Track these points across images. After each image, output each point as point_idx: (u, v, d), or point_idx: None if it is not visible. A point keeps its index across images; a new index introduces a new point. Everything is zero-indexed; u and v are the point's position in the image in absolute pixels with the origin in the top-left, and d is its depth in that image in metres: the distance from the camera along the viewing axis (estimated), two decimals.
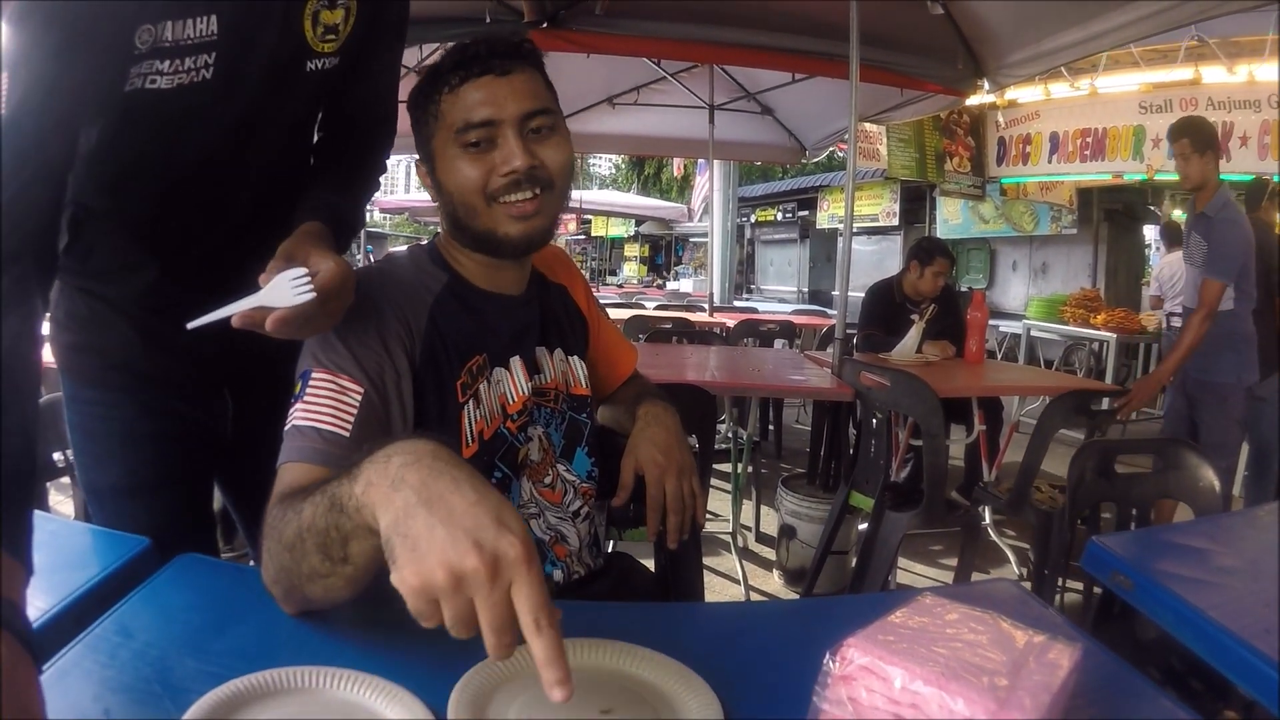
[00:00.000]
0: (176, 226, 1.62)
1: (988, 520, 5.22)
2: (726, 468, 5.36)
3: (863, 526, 4.17)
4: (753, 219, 21.75)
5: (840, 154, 10.15)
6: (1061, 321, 9.70)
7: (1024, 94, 9.26)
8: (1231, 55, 7.71)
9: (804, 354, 6.43)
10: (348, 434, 1.32)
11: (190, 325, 1.29)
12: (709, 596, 3.77)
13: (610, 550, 2.01)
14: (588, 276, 1.75)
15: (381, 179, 1.83)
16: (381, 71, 1.76)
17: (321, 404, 1.34)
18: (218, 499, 2.00)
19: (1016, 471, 3.91)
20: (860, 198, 14.96)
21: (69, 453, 2.51)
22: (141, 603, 1.27)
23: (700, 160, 14.58)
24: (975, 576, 4.08)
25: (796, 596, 4.41)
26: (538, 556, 0.96)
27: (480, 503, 0.97)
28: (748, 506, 5.49)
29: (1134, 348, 9.80)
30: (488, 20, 5.44)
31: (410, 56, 5.41)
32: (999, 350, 11.12)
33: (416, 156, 1.56)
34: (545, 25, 5.56)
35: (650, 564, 2.04)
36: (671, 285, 22.02)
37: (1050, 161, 9.91)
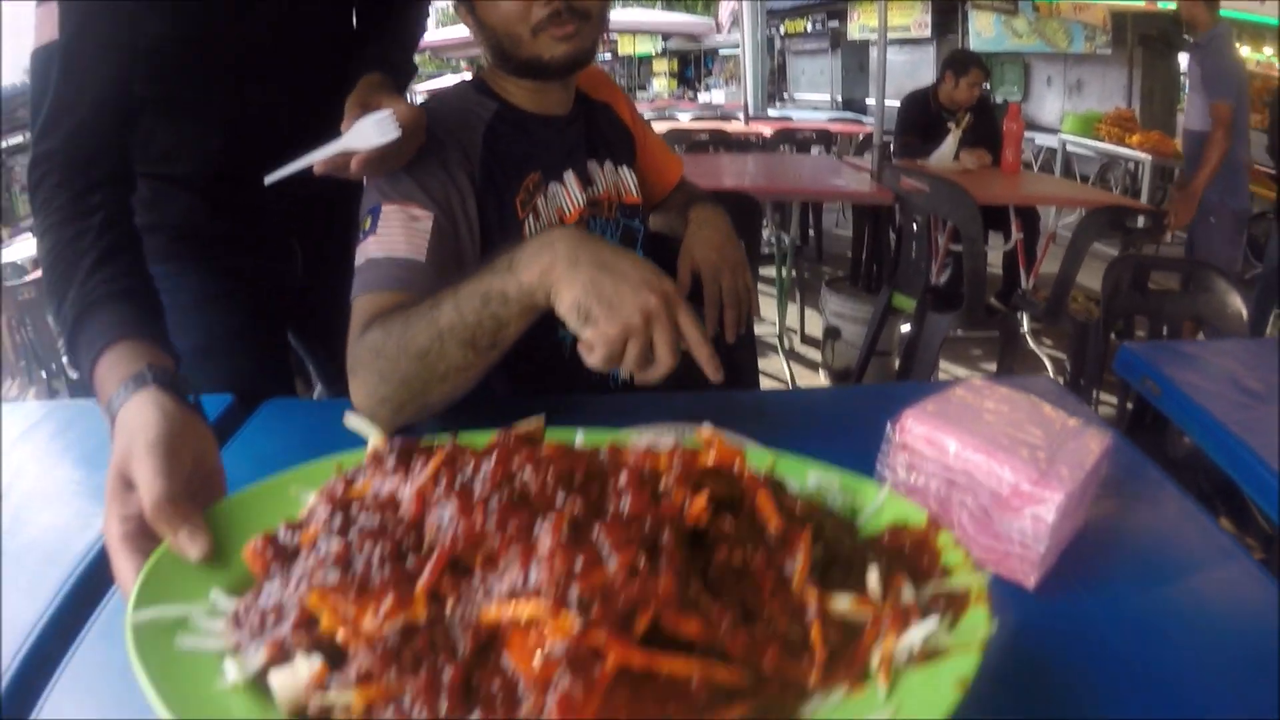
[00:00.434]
0: (235, 100, 1.65)
1: (1025, 328, 5.29)
2: (770, 272, 5.45)
3: (905, 328, 4.28)
4: (782, 30, 21.11)
5: None
6: (1097, 138, 9.51)
7: None
8: None
9: (842, 160, 6.40)
10: (423, 259, 1.39)
11: (268, 179, 1.36)
12: None
13: None
14: None
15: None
16: None
17: (395, 234, 1.41)
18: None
19: (1053, 281, 3.95)
20: (892, 8, 14.45)
21: None
22: (234, 455, 1.34)
23: None
24: None
25: None
26: None
27: (638, 261, 1.16)
28: (792, 310, 5.61)
29: (1169, 171, 9.61)
30: None
31: None
32: (1035, 163, 10.94)
33: None
34: None
35: None
36: (703, 98, 21.53)
37: None
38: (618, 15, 19.74)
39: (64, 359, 3.75)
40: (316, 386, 2.29)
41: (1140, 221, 4.48)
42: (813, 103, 18.41)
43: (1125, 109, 10.65)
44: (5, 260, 6.12)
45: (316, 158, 1.35)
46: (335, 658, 0.72)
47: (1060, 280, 3.83)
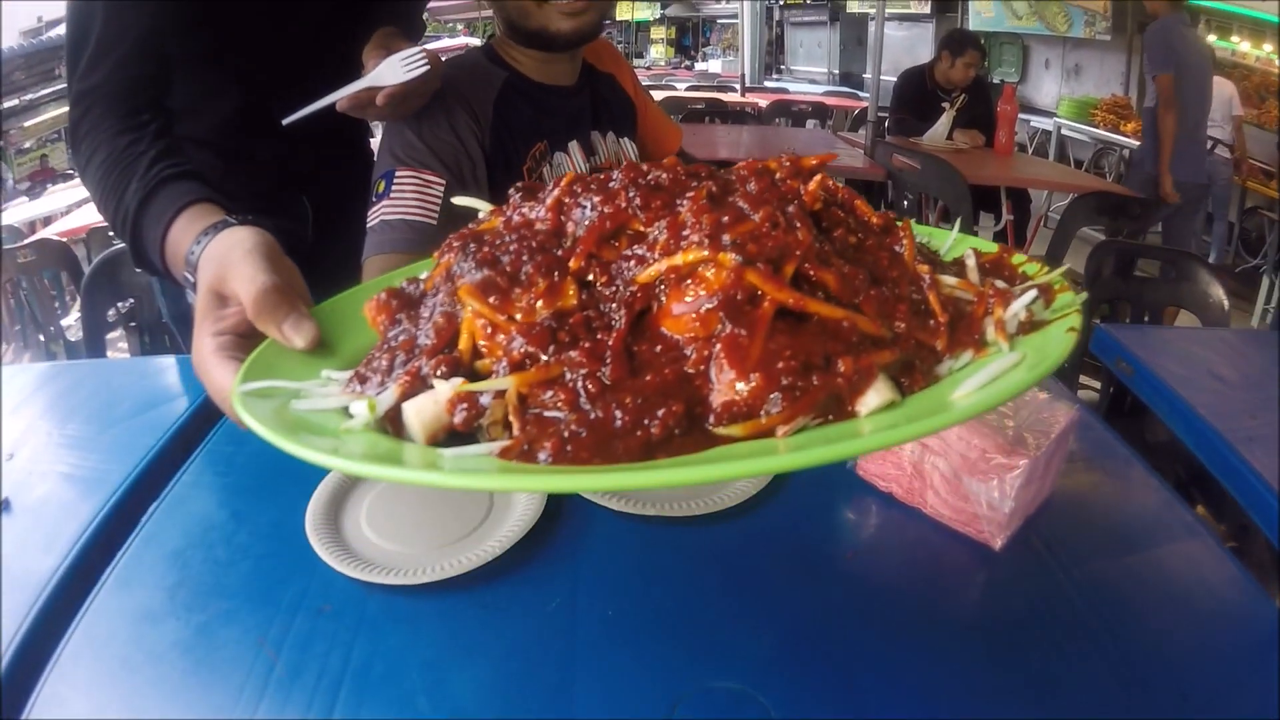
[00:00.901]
0: (255, 52, 1.64)
1: None
2: None
3: None
4: (781, 1, 21.00)
5: None
6: (1092, 124, 9.53)
7: None
8: None
9: (836, 134, 6.41)
10: (435, 223, 1.42)
11: (287, 120, 1.37)
12: None
13: None
14: None
15: None
16: None
17: (408, 198, 1.44)
18: None
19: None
20: None
21: (130, 302, 2.63)
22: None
23: None
24: None
25: None
26: None
27: None
28: None
29: None
30: None
31: None
32: (1029, 145, 10.94)
33: None
34: None
35: None
36: (700, 66, 21.43)
37: None
38: None
39: (63, 320, 3.78)
40: None
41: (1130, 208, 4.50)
42: (810, 75, 18.34)
43: (1122, 96, 10.66)
44: (4, 223, 6.08)
45: (342, 95, 1.36)
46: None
47: (1049, 256, 3.86)
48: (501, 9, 1.57)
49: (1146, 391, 1.49)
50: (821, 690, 0.82)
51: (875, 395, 0.62)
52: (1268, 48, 8.56)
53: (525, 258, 0.72)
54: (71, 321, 3.66)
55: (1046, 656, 0.86)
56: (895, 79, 6.04)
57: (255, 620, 0.88)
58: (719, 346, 0.63)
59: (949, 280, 0.74)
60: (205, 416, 1.30)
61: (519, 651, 0.85)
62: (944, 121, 5.17)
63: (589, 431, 0.61)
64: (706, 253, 0.66)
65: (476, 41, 10.03)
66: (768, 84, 12.55)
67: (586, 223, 0.75)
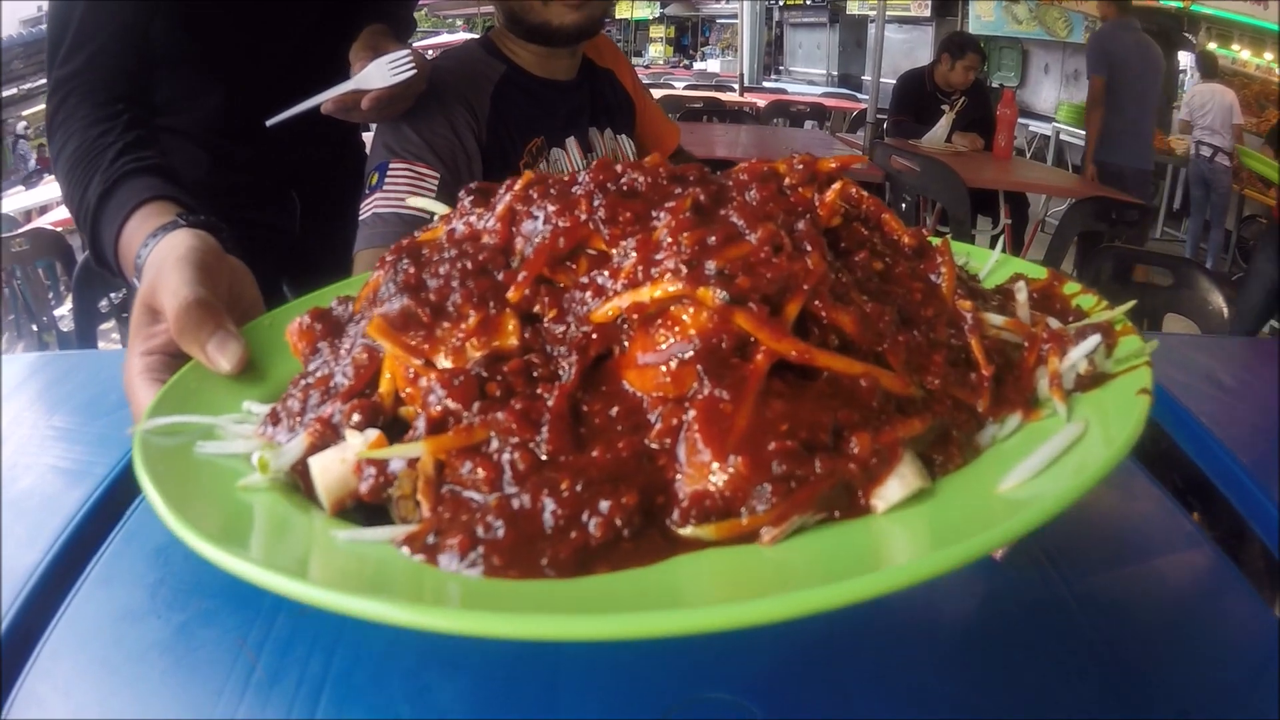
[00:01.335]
0: (241, 53, 1.62)
1: None
2: None
3: None
4: (781, 1, 21.04)
5: None
6: None
7: None
8: None
9: (834, 135, 6.40)
10: (429, 217, 1.39)
11: (271, 121, 1.37)
12: None
13: None
14: None
15: None
16: None
17: (402, 191, 1.43)
18: None
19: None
20: None
21: (123, 292, 2.59)
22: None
23: None
24: None
25: None
26: None
27: None
28: None
29: (1161, 168, 9.69)
30: None
31: None
32: (1028, 149, 10.96)
33: None
34: None
35: None
36: (699, 66, 21.45)
37: None
38: None
39: (58, 312, 3.76)
40: None
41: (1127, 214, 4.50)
42: (808, 76, 18.36)
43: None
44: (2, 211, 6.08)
45: (327, 97, 1.35)
46: (394, 437, 0.57)
47: (1048, 261, 3.86)
48: (504, 2, 1.57)
49: (1160, 410, 1.46)
50: (815, 700, 0.80)
51: (898, 485, 0.49)
52: (1268, 56, 8.57)
53: (455, 283, 0.59)
54: (64, 312, 3.66)
55: (1045, 669, 0.84)
56: (895, 81, 6.07)
57: (236, 621, 0.85)
58: (692, 414, 0.49)
59: (995, 320, 0.63)
60: None
61: (504, 660, 0.83)
62: (943, 124, 5.21)
63: (508, 529, 0.47)
64: (683, 286, 0.52)
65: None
66: (766, 84, 12.55)
67: (538, 238, 0.62)
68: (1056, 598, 0.95)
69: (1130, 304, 0.68)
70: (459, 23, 19.92)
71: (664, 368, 0.52)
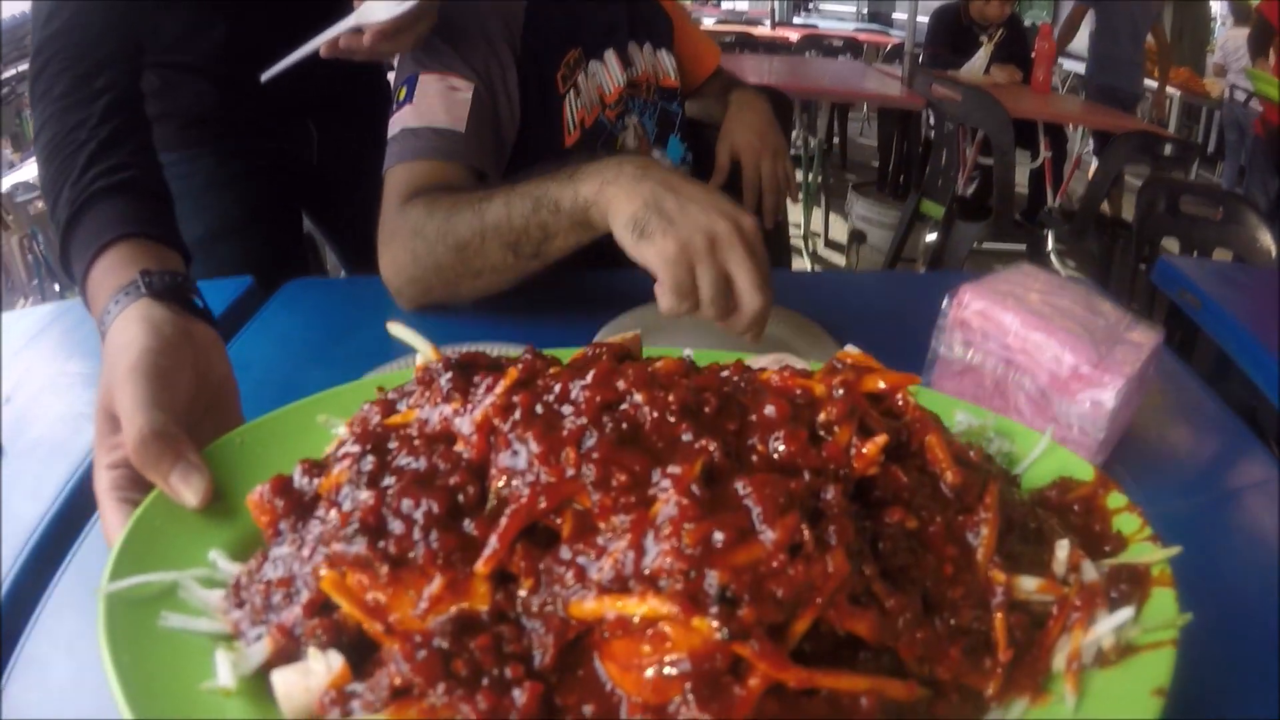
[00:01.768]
0: None
1: (1050, 246, 5.22)
2: (796, 175, 5.37)
3: (931, 238, 4.25)
4: None
5: None
6: None
7: None
8: None
9: (871, 66, 6.33)
10: (462, 130, 1.34)
11: (266, 75, 1.31)
12: None
13: None
14: None
15: None
16: None
17: (433, 103, 1.34)
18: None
19: (1079, 202, 3.90)
20: None
21: None
22: (254, 334, 1.29)
23: None
24: None
25: None
26: None
27: (713, 191, 1.08)
28: (816, 214, 5.53)
29: (1196, 110, 9.53)
30: None
31: None
32: (1061, 87, 10.79)
33: None
34: None
35: None
36: (726, 5, 21.19)
37: None
38: None
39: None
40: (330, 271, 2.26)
41: (1168, 150, 4.40)
42: (838, 13, 18.10)
43: (1151, 42, 10.53)
44: (19, 180, 6.12)
45: (326, 38, 1.27)
46: (361, 651, 0.55)
47: (1088, 199, 3.79)
48: None
49: (1212, 324, 1.42)
50: None
51: None
52: None
53: (420, 530, 0.54)
54: None
55: None
56: (928, 16, 6.00)
57: None
58: None
59: (1028, 584, 0.57)
60: None
61: None
62: (981, 55, 5.14)
63: None
64: (676, 609, 0.47)
65: None
66: (796, 20, 12.37)
67: (517, 469, 0.56)
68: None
69: (1175, 550, 0.62)
70: None
71: (648, 673, 0.48)
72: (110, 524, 0.73)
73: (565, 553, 0.53)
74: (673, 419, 0.56)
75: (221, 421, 0.83)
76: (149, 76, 1.27)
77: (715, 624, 0.46)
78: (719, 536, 0.48)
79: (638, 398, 0.58)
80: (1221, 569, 0.86)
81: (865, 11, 17.39)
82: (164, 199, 1.06)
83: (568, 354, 0.76)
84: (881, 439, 0.58)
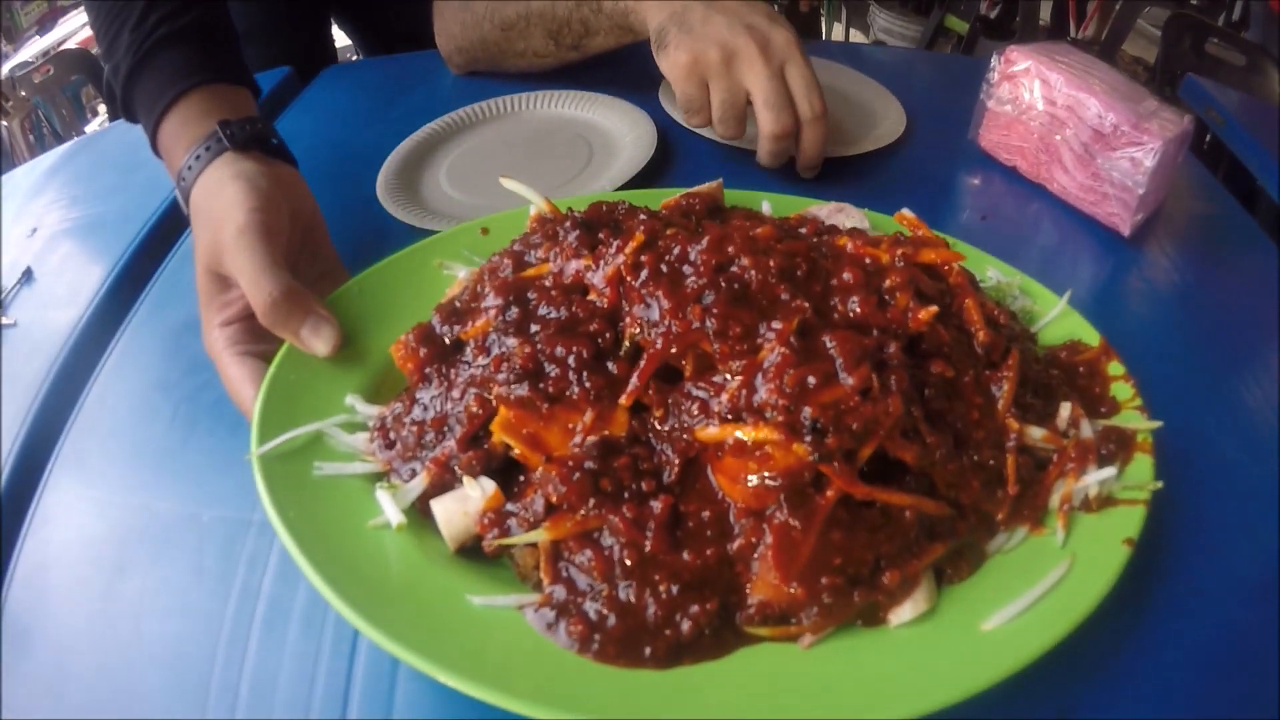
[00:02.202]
0: None
1: None
2: None
3: None
4: None
5: None
6: None
7: None
8: None
9: None
10: None
11: None
12: None
13: None
14: None
15: None
16: None
17: None
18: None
19: (1104, 33, 3.82)
20: None
21: None
22: (299, 112, 1.34)
23: None
24: None
25: None
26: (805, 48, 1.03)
27: (760, 6, 1.05)
28: (837, 28, 5.39)
29: None
30: None
31: None
32: None
33: None
34: None
35: None
36: None
37: None
38: None
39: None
40: None
41: None
42: None
43: None
44: (17, 61, 5.92)
45: None
46: (508, 476, 0.66)
47: (1113, 31, 3.70)
48: None
49: (1236, 141, 1.45)
50: None
51: (911, 608, 0.60)
52: None
53: (574, 372, 0.66)
54: (97, 127, 3.54)
55: (1148, 353, 0.85)
56: None
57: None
58: (769, 537, 0.59)
59: (1035, 434, 0.70)
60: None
61: None
62: None
63: (618, 619, 0.58)
64: (780, 436, 0.60)
65: None
66: None
67: (650, 319, 0.68)
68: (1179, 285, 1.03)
69: (1157, 424, 0.73)
70: None
71: (750, 480, 0.61)
72: (234, 377, 0.77)
73: (688, 388, 0.66)
74: (774, 281, 0.69)
75: (317, 253, 0.89)
76: None
77: (809, 448, 0.59)
78: (812, 380, 0.62)
79: (744, 261, 0.69)
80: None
81: None
82: (230, 35, 1.03)
83: (656, 197, 0.87)
84: (934, 309, 0.70)
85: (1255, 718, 0.63)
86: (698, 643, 0.58)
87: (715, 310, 0.66)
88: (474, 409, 0.67)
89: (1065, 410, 0.73)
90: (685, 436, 0.64)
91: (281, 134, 0.93)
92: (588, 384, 0.66)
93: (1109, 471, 0.68)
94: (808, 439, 0.60)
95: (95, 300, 1.02)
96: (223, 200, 0.81)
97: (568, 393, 0.66)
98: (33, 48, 6.22)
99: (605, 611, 0.58)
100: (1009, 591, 0.61)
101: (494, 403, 0.66)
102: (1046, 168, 1.12)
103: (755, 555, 0.60)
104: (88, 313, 1.00)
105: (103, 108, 3.54)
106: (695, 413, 0.64)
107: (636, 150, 1.15)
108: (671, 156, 1.19)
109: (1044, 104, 1.09)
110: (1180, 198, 1.16)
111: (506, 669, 0.56)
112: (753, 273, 0.69)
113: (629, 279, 0.70)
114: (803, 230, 0.83)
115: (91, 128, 3.55)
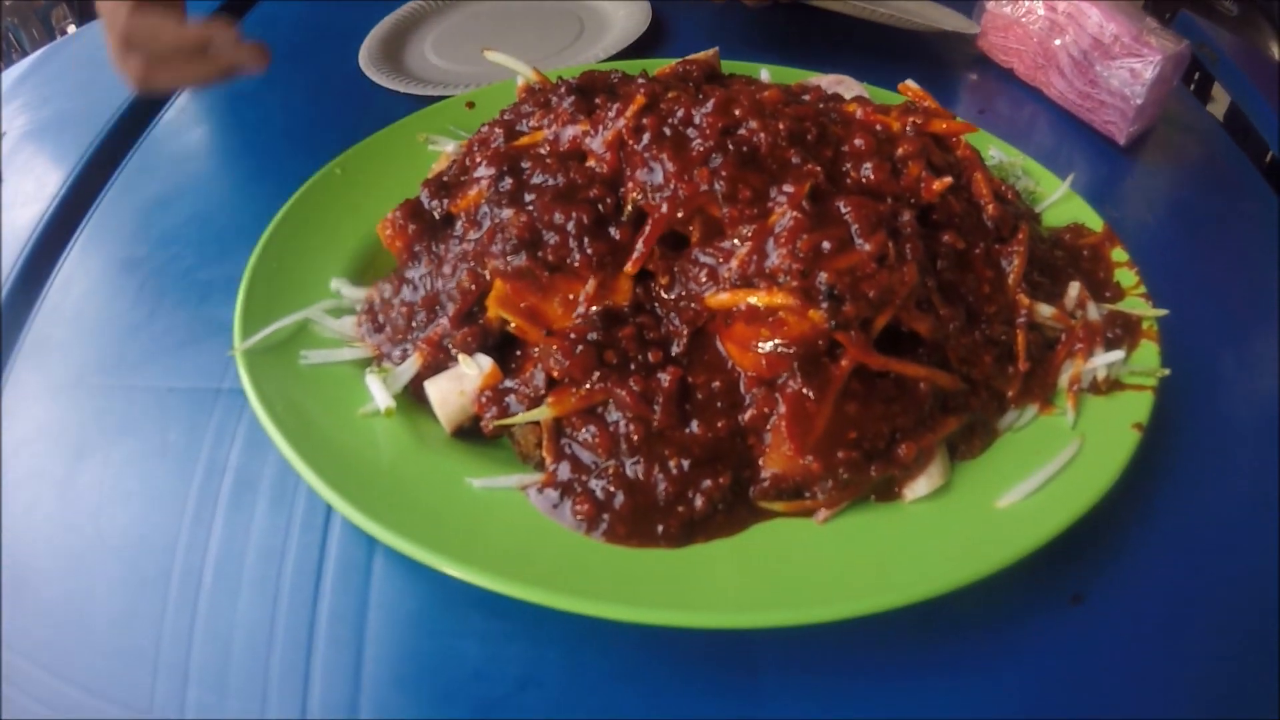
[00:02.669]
0: None
1: None
2: None
3: None
4: None
5: None
6: None
7: None
8: None
9: None
10: None
11: None
12: None
13: None
14: None
15: None
16: None
17: None
18: None
19: None
20: None
21: None
22: None
23: None
24: None
25: None
26: None
27: None
28: None
29: None
30: None
31: None
32: None
33: None
34: None
35: None
36: None
37: None
38: None
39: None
40: None
41: None
42: None
43: None
44: None
45: None
46: (505, 354, 0.63)
47: None
48: None
49: (1226, 77, 1.45)
50: None
51: (926, 482, 0.59)
52: None
53: (574, 238, 0.63)
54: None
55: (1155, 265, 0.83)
56: None
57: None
58: (782, 407, 0.57)
59: (1044, 311, 0.69)
60: None
61: None
62: None
63: (627, 497, 0.56)
64: (795, 301, 0.57)
65: None
66: None
67: (654, 183, 0.64)
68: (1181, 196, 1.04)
69: (1163, 312, 0.72)
70: None
71: (764, 348, 0.58)
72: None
73: (695, 255, 0.63)
74: (784, 144, 0.65)
75: None
76: None
77: (825, 314, 0.57)
78: (826, 245, 0.59)
79: (752, 124, 0.65)
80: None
81: None
82: None
83: (650, 67, 0.84)
84: (948, 180, 0.67)
85: (1259, 604, 0.63)
86: (711, 519, 0.56)
87: (724, 173, 0.63)
88: (467, 284, 0.64)
89: (1074, 290, 0.72)
90: (693, 305, 0.61)
91: (266, 10, 0.91)
92: (589, 250, 0.62)
93: (1117, 355, 0.67)
94: (824, 305, 0.57)
95: (60, 193, 0.99)
96: None
97: (568, 260, 0.62)
98: None
99: (613, 489, 0.56)
100: (1021, 469, 0.60)
101: (488, 276, 0.63)
102: (1044, 71, 1.12)
103: (768, 427, 0.58)
104: (52, 206, 0.97)
105: (71, 28, 3.43)
106: (704, 280, 0.62)
107: (629, 23, 1.13)
108: (662, 36, 1.17)
109: (1044, 9, 1.08)
110: (1172, 121, 1.17)
111: (511, 555, 0.54)
112: (761, 135, 0.65)
113: (630, 143, 0.66)
114: (806, 97, 0.80)
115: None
